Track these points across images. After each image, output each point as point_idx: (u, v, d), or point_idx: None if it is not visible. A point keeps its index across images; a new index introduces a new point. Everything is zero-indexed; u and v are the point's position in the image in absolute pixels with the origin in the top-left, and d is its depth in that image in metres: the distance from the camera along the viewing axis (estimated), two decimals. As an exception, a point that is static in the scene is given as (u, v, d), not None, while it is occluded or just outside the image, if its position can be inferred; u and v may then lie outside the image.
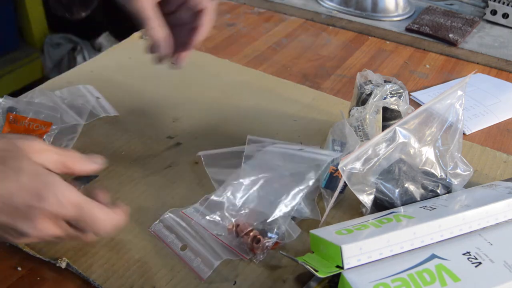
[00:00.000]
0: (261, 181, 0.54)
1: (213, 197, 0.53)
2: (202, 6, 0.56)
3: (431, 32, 0.98)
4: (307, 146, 0.61)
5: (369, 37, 0.99)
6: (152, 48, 0.55)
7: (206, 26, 0.57)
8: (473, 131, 0.73)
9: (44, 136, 0.61)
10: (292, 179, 0.54)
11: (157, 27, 0.54)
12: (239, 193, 0.53)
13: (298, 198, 0.52)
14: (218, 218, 0.52)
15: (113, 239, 0.52)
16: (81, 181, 0.59)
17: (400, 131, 0.52)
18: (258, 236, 0.50)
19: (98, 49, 2.00)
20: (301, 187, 0.53)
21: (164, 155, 0.64)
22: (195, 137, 0.68)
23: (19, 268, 0.49)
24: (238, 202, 0.53)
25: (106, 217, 0.42)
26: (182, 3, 0.57)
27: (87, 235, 0.43)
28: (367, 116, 0.59)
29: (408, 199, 0.52)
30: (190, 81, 0.81)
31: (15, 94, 0.67)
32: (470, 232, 0.47)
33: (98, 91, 0.74)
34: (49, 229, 0.40)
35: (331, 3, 1.10)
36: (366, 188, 0.51)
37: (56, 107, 0.64)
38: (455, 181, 0.56)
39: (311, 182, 0.53)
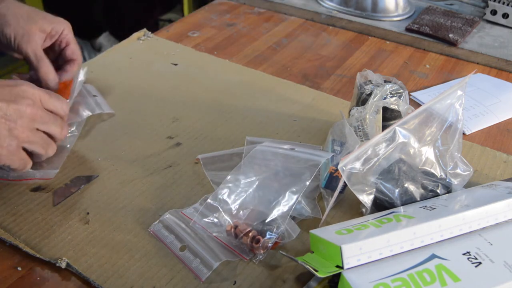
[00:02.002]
0: (257, 182, 0.54)
1: (209, 200, 0.53)
2: (73, 57, 0.68)
3: (431, 32, 0.98)
4: (299, 146, 0.61)
5: (369, 37, 0.99)
6: (42, 85, 0.64)
7: (70, 74, 0.67)
8: (473, 131, 0.73)
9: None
10: (289, 179, 0.54)
11: (48, 68, 0.63)
12: (235, 195, 0.53)
13: (295, 198, 0.52)
14: (216, 220, 0.52)
15: (113, 239, 0.52)
16: (81, 181, 0.59)
17: (400, 131, 0.52)
18: (258, 236, 0.50)
19: (98, 49, 2.01)
20: (298, 187, 0.53)
21: (164, 155, 0.64)
22: (195, 137, 0.68)
23: (19, 268, 0.49)
24: (235, 204, 0.53)
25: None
26: (59, 52, 0.68)
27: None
28: (367, 116, 0.59)
29: (408, 199, 0.52)
30: (190, 81, 0.81)
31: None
32: (470, 232, 0.47)
33: (97, 91, 0.74)
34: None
35: (331, 3, 1.10)
36: (366, 188, 0.51)
37: None
38: (455, 181, 0.56)
39: (307, 183, 0.53)
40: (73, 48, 0.68)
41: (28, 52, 0.62)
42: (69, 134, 0.65)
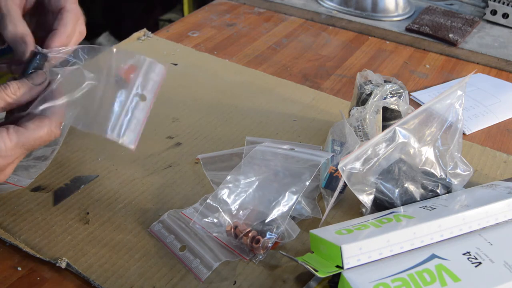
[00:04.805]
0: (257, 182, 0.54)
1: (209, 201, 0.53)
2: (60, 5, 0.49)
3: (431, 32, 0.98)
4: (299, 146, 0.61)
5: (369, 37, 0.99)
6: (15, 46, 0.46)
7: (62, 30, 0.48)
8: (473, 131, 0.73)
9: None
10: (288, 179, 0.54)
11: (19, 24, 0.46)
12: (235, 196, 0.53)
13: (295, 198, 0.52)
14: (216, 220, 0.52)
15: (113, 239, 0.52)
16: (81, 181, 0.59)
17: (400, 131, 0.52)
18: (258, 237, 0.50)
19: (98, 49, 2.00)
20: (297, 188, 0.53)
21: (164, 155, 0.64)
22: (195, 137, 0.68)
23: (19, 268, 0.49)
24: (235, 204, 0.53)
25: (44, 133, 0.44)
26: (45, 10, 0.51)
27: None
28: (367, 116, 0.59)
29: (408, 199, 0.52)
30: (190, 81, 0.81)
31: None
32: (470, 232, 0.47)
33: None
34: (12, 169, 0.46)
35: (331, 3, 1.10)
36: (366, 188, 0.51)
37: None
38: (455, 181, 0.56)
39: (307, 183, 0.53)
40: None
41: None
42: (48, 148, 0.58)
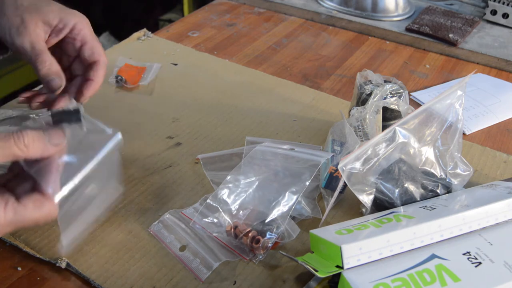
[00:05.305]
0: (257, 182, 0.54)
1: (209, 201, 0.53)
2: (94, 58, 0.52)
3: (431, 32, 0.98)
4: (299, 146, 0.61)
5: (369, 37, 0.99)
6: (47, 85, 0.48)
7: (97, 80, 0.52)
8: (473, 131, 0.73)
9: None
10: (288, 179, 0.54)
11: (52, 64, 0.48)
12: (235, 196, 0.53)
13: (295, 198, 0.52)
14: (216, 220, 0.52)
15: (113, 239, 0.52)
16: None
17: (400, 131, 0.52)
18: (258, 237, 0.50)
19: (98, 49, 2.00)
20: (297, 188, 0.53)
21: (164, 155, 0.64)
22: (195, 137, 0.68)
23: (19, 268, 0.49)
24: (235, 204, 0.53)
25: (42, 215, 0.41)
26: (75, 57, 0.54)
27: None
28: (367, 116, 0.59)
29: (408, 199, 0.52)
30: (190, 81, 0.81)
31: (15, 94, 0.67)
32: (470, 232, 0.47)
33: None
34: None
35: (331, 3, 1.10)
36: (366, 188, 0.51)
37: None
38: (455, 181, 0.56)
39: (307, 183, 0.53)
40: (93, 46, 0.52)
41: (24, 44, 0.48)
42: None
